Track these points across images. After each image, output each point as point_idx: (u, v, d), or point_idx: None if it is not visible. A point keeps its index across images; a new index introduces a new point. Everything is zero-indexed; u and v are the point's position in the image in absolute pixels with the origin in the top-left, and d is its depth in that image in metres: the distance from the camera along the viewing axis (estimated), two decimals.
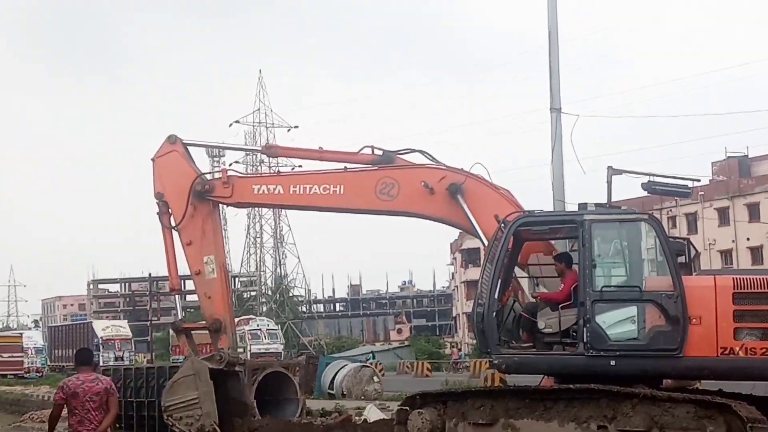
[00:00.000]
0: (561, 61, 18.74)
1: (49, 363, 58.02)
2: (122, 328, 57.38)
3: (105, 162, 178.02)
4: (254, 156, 74.43)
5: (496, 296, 10.28)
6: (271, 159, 73.85)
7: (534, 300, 10.95)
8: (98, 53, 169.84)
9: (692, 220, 58.13)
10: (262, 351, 47.41)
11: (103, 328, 56.06)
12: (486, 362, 34.50)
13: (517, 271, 11.34)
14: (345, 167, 12.63)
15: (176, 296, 13.73)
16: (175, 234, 13.17)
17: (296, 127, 79.77)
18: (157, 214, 13.19)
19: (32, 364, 55.74)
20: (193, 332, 13.96)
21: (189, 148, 13.60)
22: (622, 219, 10.31)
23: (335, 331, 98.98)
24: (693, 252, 11.02)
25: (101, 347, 51.83)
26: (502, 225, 10.53)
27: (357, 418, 17.39)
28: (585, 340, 9.76)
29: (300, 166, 22.78)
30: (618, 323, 9.80)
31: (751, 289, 9.59)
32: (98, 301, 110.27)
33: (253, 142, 76.87)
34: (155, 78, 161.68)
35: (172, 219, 13.16)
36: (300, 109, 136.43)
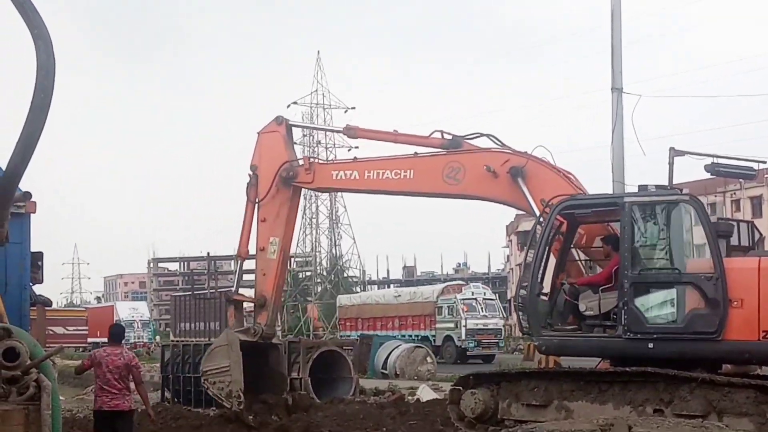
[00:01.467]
0: (624, 38, 18.43)
1: (157, 338, 53.29)
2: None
3: (166, 143, 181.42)
4: (311, 137, 74.84)
5: (539, 278, 10.32)
6: (329, 141, 74.79)
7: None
8: (158, 36, 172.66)
9: (757, 203, 56.59)
10: (480, 327, 36.84)
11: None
12: None
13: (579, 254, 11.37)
14: (415, 152, 12.99)
15: (240, 262, 14.40)
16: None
17: (353, 108, 79.88)
18: (247, 184, 13.86)
19: (138, 339, 52.59)
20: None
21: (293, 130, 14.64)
22: (662, 200, 10.01)
23: None
24: (758, 235, 10.75)
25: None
26: (547, 209, 10.56)
27: (410, 397, 17.48)
28: (623, 323, 9.69)
29: (357, 147, 22.97)
30: (656, 306, 9.71)
31: None
32: (158, 279, 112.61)
33: (310, 122, 77.17)
34: (214, 61, 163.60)
35: (258, 192, 13.82)
36: (357, 90, 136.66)
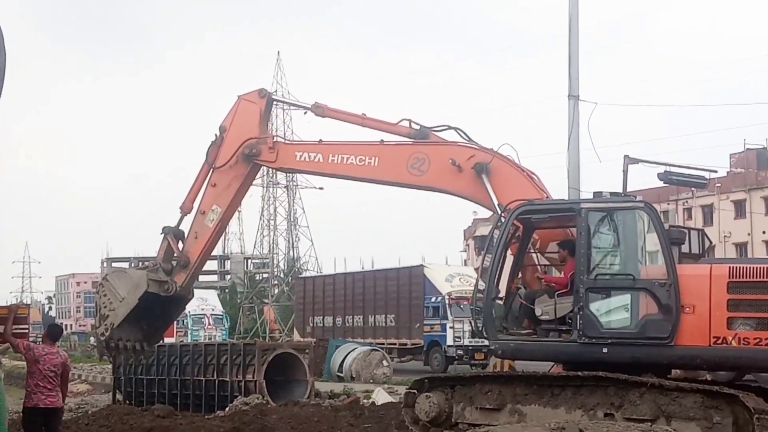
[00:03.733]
0: (583, 47, 18.65)
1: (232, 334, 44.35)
2: None
3: (121, 141, 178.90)
4: (271, 126, 74.52)
5: (495, 282, 10.39)
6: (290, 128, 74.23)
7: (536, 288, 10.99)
8: (111, 31, 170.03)
9: (708, 211, 57.74)
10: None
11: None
12: None
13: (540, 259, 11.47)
14: (381, 140, 12.90)
15: (181, 216, 13.60)
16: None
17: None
18: (210, 143, 13.42)
19: (211, 337, 41.45)
20: None
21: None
22: (618, 207, 10.19)
23: None
24: (707, 243, 10.95)
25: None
26: (504, 213, 10.63)
27: (365, 401, 17.49)
28: (578, 328, 9.80)
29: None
30: (611, 311, 9.81)
31: (746, 278, 9.42)
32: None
33: (270, 123, 76.97)
34: (177, 60, 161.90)
35: (218, 156, 13.39)
36: (318, 89, 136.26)
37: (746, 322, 9.32)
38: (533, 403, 10.06)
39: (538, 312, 10.36)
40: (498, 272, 10.48)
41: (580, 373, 9.78)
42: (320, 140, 13.31)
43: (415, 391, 11.30)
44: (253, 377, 17.69)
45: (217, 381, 18.37)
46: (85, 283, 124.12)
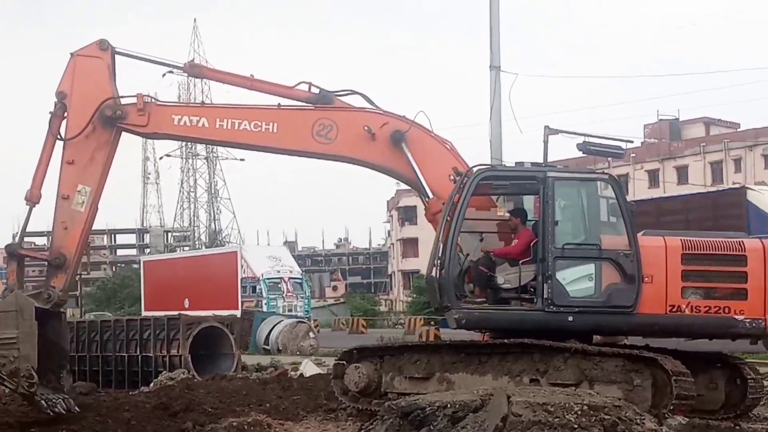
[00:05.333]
0: (505, 18, 18.80)
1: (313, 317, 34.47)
2: None
3: (35, 114, 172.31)
4: (190, 96, 72.84)
5: (456, 251, 10.22)
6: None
7: (486, 254, 10.79)
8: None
9: (623, 181, 59.39)
10: None
11: None
12: (420, 319, 34.52)
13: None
14: (279, 104, 11.67)
15: (30, 208, 11.40)
16: (58, 144, 11.39)
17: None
18: (50, 113, 11.33)
19: (292, 309, 33.32)
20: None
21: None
22: (583, 177, 10.64)
23: None
24: None
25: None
26: (465, 178, 10.44)
27: (293, 373, 17.49)
28: (544, 296, 9.92)
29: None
30: (577, 280, 10.02)
31: (697, 250, 10.05)
32: None
33: (187, 93, 75.41)
34: (85, 23, 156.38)
35: (63, 126, 11.32)
36: (238, 60, 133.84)
37: (697, 292, 9.93)
38: (461, 371, 10.23)
39: (500, 280, 10.31)
40: (457, 240, 10.25)
41: (506, 341, 10.00)
42: (203, 102, 12.05)
43: (344, 362, 11.34)
44: (178, 352, 17.46)
45: (140, 356, 18.06)
46: None
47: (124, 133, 11.66)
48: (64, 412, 10.76)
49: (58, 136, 11.24)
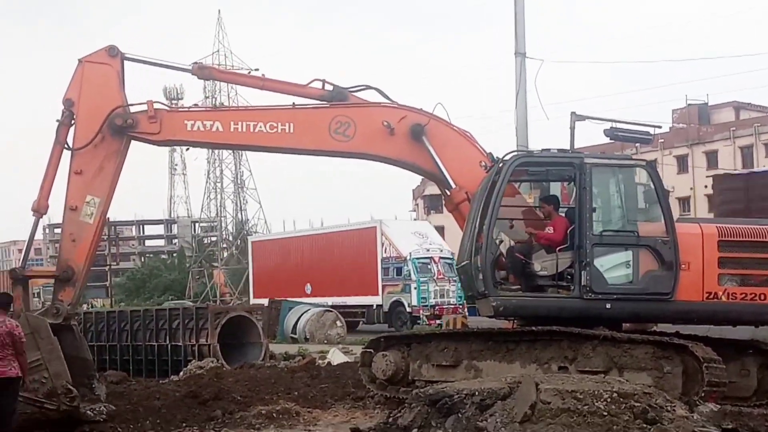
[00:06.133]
0: (530, 4, 18.62)
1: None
2: None
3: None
4: (213, 99, 73.00)
5: (493, 238, 10.18)
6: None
7: (521, 242, 10.73)
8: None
9: None
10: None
11: None
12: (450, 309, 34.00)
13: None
14: (293, 103, 11.55)
15: (36, 220, 11.38)
16: (66, 154, 11.19)
17: (256, 69, 78.15)
18: (57, 121, 11.09)
19: (444, 294, 29.53)
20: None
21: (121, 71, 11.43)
22: (620, 164, 10.63)
23: None
24: None
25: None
26: (501, 164, 10.37)
27: (320, 361, 17.56)
28: (582, 284, 9.87)
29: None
30: (615, 267, 9.98)
31: (733, 237, 10.04)
32: (54, 246, 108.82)
33: (212, 85, 75.40)
34: (112, 18, 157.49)
35: (70, 135, 11.10)
36: (260, 53, 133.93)
37: (733, 279, 9.94)
38: (489, 359, 10.22)
39: (537, 267, 10.22)
40: (494, 227, 10.17)
41: (534, 328, 9.94)
42: (215, 106, 11.73)
43: (371, 350, 11.38)
44: (207, 341, 17.61)
45: (169, 346, 18.24)
46: None
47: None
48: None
49: (66, 146, 11.00)
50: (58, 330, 10.61)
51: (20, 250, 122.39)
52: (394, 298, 30.23)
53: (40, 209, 11.16)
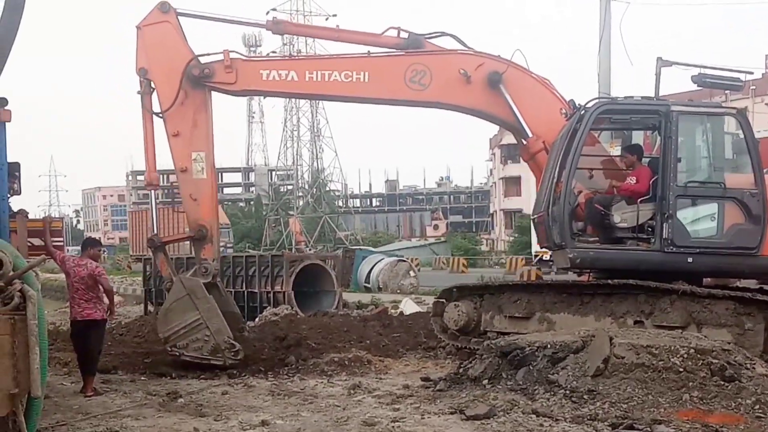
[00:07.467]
0: None
1: None
2: None
3: None
4: (291, 46, 73.01)
5: (572, 188, 9.86)
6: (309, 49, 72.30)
7: (600, 192, 10.42)
8: None
9: None
10: None
11: None
12: (522, 259, 33.55)
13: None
14: (368, 51, 11.41)
15: (153, 193, 11.64)
16: (158, 120, 11.24)
17: (334, 15, 77.99)
18: (138, 93, 11.15)
19: None
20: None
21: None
22: (709, 112, 10.07)
23: (371, 227, 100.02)
24: None
25: None
26: (582, 111, 10.04)
27: (393, 311, 17.67)
28: (663, 236, 9.54)
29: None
30: (699, 220, 9.62)
31: None
32: (137, 192, 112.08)
33: (290, 42, 75.46)
34: None
35: (155, 100, 11.17)
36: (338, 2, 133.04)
37: None
38: (562, 312, 10.07)
39: (616, 219, 9.88)
40: (573, 176, 9.88)
41: (609, 281, 9.72)
42: (290, 55, 11.44)
43: (443, 300, 11.36)
44: (282, 288, 17.91)
45: (246, 292, 18.62)
46: (111, 196, 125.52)
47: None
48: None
49: (154, 113, 11.09)
50: (208, 288, 10.86)
51: (104, 197, 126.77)
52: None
53: (152, 181, 11.35)
